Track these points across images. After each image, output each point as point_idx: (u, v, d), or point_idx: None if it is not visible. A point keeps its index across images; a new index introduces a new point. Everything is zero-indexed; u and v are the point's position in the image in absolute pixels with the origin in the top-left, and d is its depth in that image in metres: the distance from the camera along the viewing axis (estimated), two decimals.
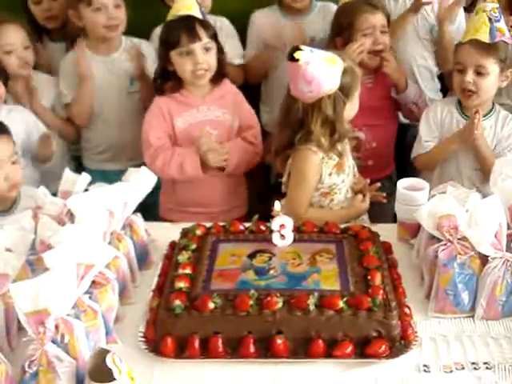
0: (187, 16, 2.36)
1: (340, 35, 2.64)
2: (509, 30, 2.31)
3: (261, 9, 2.95)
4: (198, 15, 2.38)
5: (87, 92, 2.71)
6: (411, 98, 2.68)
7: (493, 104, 2.40)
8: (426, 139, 2.44)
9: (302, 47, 1.96)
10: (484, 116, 2.36)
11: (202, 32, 2.34)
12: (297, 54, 1.94)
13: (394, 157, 2.83)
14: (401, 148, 2.81)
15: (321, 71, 1.97)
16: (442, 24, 2.76)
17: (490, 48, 2.25)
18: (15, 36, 2.61)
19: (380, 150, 2.67)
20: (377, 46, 2.60)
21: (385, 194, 2.22)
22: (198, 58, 2.33)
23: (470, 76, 2.28)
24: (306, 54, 1.94)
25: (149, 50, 2.80)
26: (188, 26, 2.33)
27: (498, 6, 2.27)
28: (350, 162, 2.21)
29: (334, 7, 2.84)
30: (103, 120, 2.79)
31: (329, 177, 2.12)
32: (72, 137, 2.85)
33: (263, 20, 2.91)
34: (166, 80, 2.43)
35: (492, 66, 2.27)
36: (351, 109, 2.11)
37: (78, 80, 2.71)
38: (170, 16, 2.40)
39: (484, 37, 2.25)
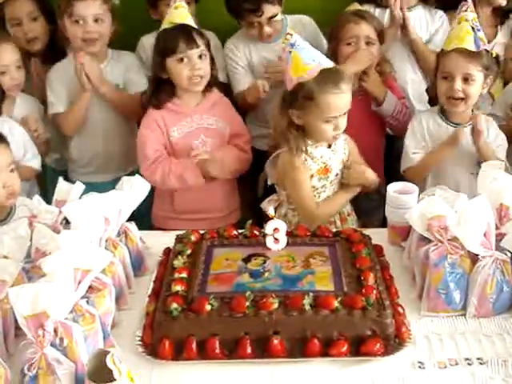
0: (183, 24, 2.41)
1: (331, 43, 2.70)
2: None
3: (233, 36, 2.89)
4: (193, 25, 2.43)
5: (85, 103, 2.71)
6: (389, 112, 2.68)
7: (472, 111, 2.43)
8: (413, 151, 2.46)
9: (294, 35, 2.10)
10: (467, 122, 2.39)
11: (198, 39, 2.40)
12: (283, 39, 2.15)
13: (384, 170, 2.85)
14: (389, 160, 2.84)
15: (292, 64, 2.11)
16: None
17: (475, 56, 2.30)
18: (10, 56, 2.62)
19: (368, 163, 2.69)
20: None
21: None
22: (196, 64, 2.38)
23: (458, 84, 2.31)
24: (292, 42, 2.11)
25: (133, 61, 2.83)
26: (185, 33, 2.38)
27: (475, 15, 2.33)
28: (338, 170, 2.25)
29: (306, 19, 2.86)
30: (88, 131, 2.79)
31: (310, 178, 2.19)
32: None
33: (239, 47, 2.86)
34: (160, 89, 2.45)
35: (478, 74, 2.32)
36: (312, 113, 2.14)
37: (77, 90, 2.70)
38: (164, 25, 2.42)
39: (470, 45, 2.29)
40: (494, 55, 2.39)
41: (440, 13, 2.91)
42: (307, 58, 2.11)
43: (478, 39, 2.30)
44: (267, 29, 2.72)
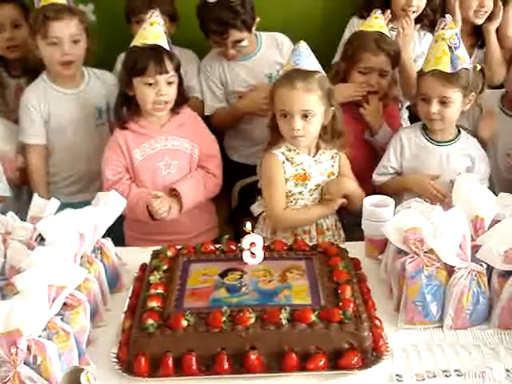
0: (156, 46, 2.33)
1: (343, 61, 2.68)
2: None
3: (208, 55, 2.89)
4: (165, 46, 2.35)
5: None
6: (380, 144, 2.64)
7: (458, 129, 2.42)
8: (384, 170, 2.48)
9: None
10: (450, 141, 2.40)
11: (168, 64, 2.33)
12: None
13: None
14: None
15: None
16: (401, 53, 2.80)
17: (452, 78, 2.24)
18: None
19: (358, 180, 2.63)
20: (371, 88, 2.61)
21: None
22: (162, 90, 2.33)
23: (434, 107, 2.28)
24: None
25: (112, 80, 2.77)
26: (157, 57, 2.31)
27: (456, 31, 2.26)
28: (320, 182, 2.27)
29: (281, 36, 2.86)
30: (71, 153, 2.73)
31: (285, 181, 2.23)
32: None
33: (213, 66, 2.86)
34: (125, 105, 2.42)
35: (455, 95, 2.27)
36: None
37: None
38: (136, 42, 2.36)
39: (446, 67, 2.24)
40: (478, 69, 2.35)
41: (429, 35, 2.87)
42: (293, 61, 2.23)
43: (455, 59, 2.23)
44: (231, 51, 2.75)
